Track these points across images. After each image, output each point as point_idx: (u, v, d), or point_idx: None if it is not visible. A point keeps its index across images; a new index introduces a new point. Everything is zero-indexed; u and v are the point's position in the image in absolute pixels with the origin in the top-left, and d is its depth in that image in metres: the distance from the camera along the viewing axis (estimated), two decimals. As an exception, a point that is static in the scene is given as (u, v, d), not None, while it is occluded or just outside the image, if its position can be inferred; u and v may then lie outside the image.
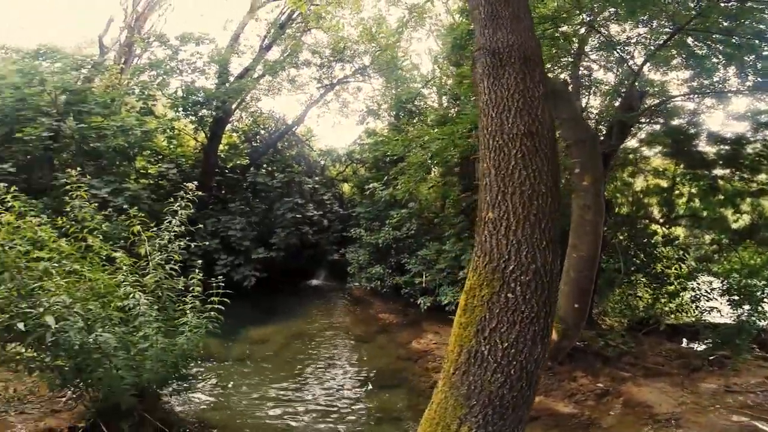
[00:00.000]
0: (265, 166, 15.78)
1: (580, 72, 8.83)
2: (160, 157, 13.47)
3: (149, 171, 12.75)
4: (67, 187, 5.32)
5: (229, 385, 6.85)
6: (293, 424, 5.84)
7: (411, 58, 16.46)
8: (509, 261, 3.06)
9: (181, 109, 13.86)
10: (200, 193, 5.98)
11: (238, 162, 15.57)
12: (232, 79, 14.11)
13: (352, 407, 6.41)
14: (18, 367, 4.40)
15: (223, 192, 14.63)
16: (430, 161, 9.09)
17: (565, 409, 5.98)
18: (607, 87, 9.58)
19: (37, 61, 11.14)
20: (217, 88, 13.60)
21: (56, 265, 4.46)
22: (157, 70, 13.60)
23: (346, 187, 17.95)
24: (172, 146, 14.14)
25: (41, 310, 4.07)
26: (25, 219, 4.66)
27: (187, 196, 5.70)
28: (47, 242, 4.71)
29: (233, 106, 14.75)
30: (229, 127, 15.79)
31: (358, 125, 17.48)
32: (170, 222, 5.62)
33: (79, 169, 5.77)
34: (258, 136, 16.76)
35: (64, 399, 5.06)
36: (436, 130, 9.85)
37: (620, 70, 8.88)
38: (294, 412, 6.14)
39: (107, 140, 9.73)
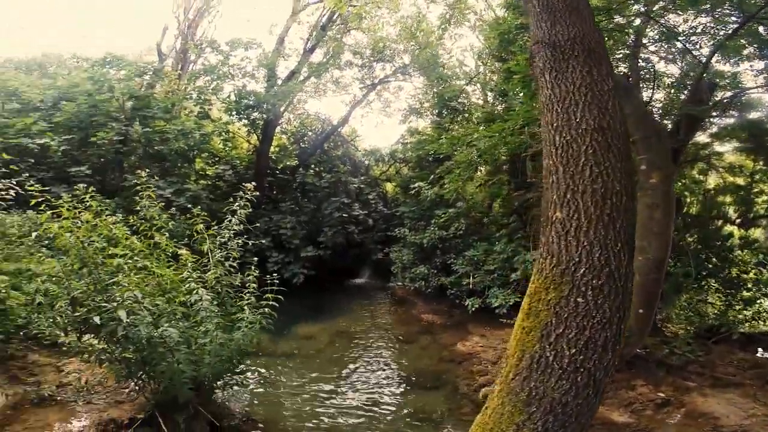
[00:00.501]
0: (312, 166, 16.15)
1: (639, 64, 8.29)
2: (217, 159, 14.16)
3: (207, 172, 13.43)
4: (138, 187, 5.65)
5: (276, 381, 6.99)
6: (333, 421, 5.90)
7: (455, 55, 16.22)
8: (580, 264, 2.91)
9: (234, 112, 14.52)
10: (256, 193, 6.18)
11: (288, 163, 16.04)
12: (279, 82, 14.55)
13: (392, 407, 6.37)
14: (90, 358, 4.66)
15: (274, 192, 15.14)
16: (478, 159, 8.85)
17: (620, 419, 5.65)
18: (670, 79, 8.94)
19: (105, 69, 12.00)
20: (267, 92, 14.08)
21: (129, 261, 4.70)
22: (211, 76, 14.30)
23: (389, 187, 18.03)
24: (227, 149, 14.81)
25: (114, 304, 4.28)
26: (101, 218, 4.96)
27: (246, 196, 5.90)
28: (121, 240, 5.00)
29: (282, 109, 15.20)
30: (278, 129, 16.30)
31: (400, 124, 17.50)
32: (230, 221, 5.82)
33: (147, 170, 6.10)
34: (305, 138, 17.17)
35: (127, 390, 5.26)
36: (482, 127, 9.63)
37: (684, 61, 8.26)
38: (335, 409, 6.19)
39: (169, 143, 10.32)
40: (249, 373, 7.01)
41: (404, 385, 7.15)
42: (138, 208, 5.64)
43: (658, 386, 6.23)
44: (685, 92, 8.24)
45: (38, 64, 13.25)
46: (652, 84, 8.79)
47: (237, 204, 5.89)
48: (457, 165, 9.42)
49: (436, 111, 15.42)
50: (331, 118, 17.55)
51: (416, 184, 11.68)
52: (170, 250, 5.45)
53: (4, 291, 5.37)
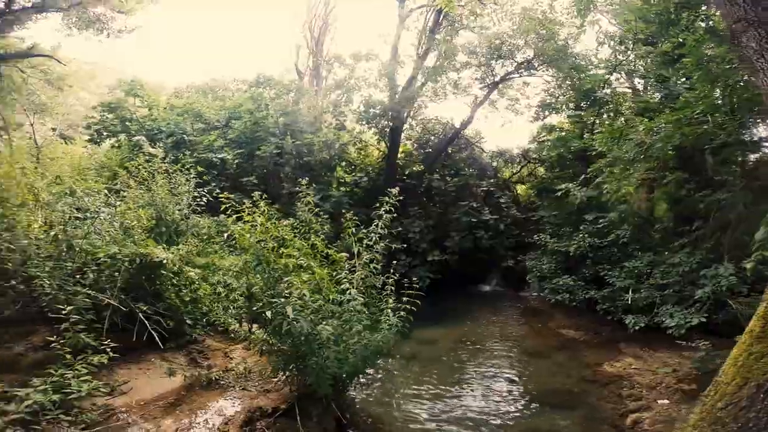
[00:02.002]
0: (437, 170, 16.17)
1: None
2: (353, 167, 15.18)
3: (346, 180, 14.44)
4: (300, 194, 6.23)
5: (395, 382, 6.97)
6: (446, 430, 5.67)
7: (595, 42, 14.61)
8: None
9: (364, 122, 15.37)
10: (400, 197, 6.32)
11: (414, 168, 16.37)
12: (400, 89, 14.93)
13: (513, 423, 5.91)
14: (254, 347, 5.15)
15: (402, 197, 15.52)
16: (641, 156, 7.68)
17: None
18: None
19: (260, 89, 13.76)
20: (390, 100, 14.57)
21: (300, 261, 5.11)
22: (342, 89, 15.36)
23: (521, 189, 17.15)
24: (361, 157, 15.77)
25: (283, 300, 4.67)
26: (271, 221, 5.45)
27: (391, 201, 6.07)
28: (288, 241, 5.50)
29: (405, 115, 15.58)
30: (403, 136, 16.73)
31: (532, 122, 16.47)
32: (376, 225, 6.03)
33: (307, 179, 6.70)
34: (429, 143, 17.31)
35: (275, 381, 5.49)
36: (645, 119, 8.44)
37: None
38: (449, 418, 5.95)
39: (314, 154, 11.35)
40: (371, 372, 7.07)
41: (530, 401, 6.59)
42: (299, 213, 6.24)
43: None
44: None
45: (210, 87, 15.85)
46: None
47: (383, 209, 6.07)
48: (619, 162, 8.32)
49: (573, 105, 14.14)
50: (453, 121, 17.40)
51: (562, 186, 10.69)
52: (323, 251, 5.83)
53: (197, 282, 6.33)
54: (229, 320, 6.29)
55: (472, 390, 6.95)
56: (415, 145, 17.47)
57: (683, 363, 6.91)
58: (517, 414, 6.24)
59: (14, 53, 11.90)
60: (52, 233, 5.05)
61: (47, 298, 4.58)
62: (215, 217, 7.51)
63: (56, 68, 12.90)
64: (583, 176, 10.16)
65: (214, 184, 7.96)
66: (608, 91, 13.09)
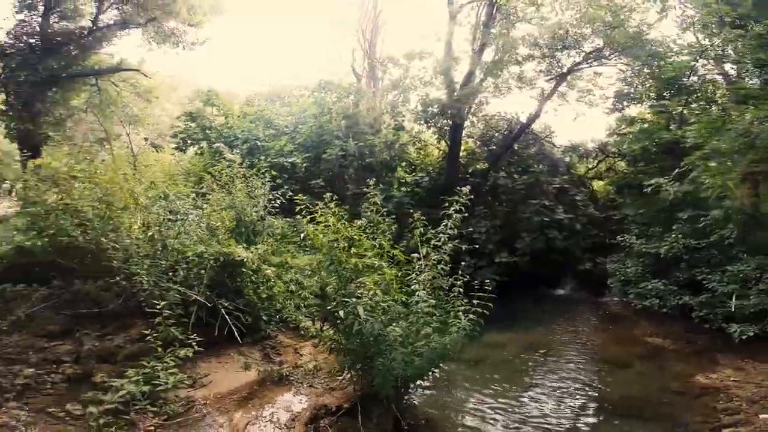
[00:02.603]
0: (503, 168, 15.57)
1: None
2: (413, 167, 15.12)
3: (407, 180, 14.44)
4: (366, 195, 6.27)
5: (458, 386, 6.77)
6: None
7: (685, 26, 13.26)
8: None
9: (423, 121, 15.23)
10: (471, 196, 6.11)
11: (478, 167, 15.87)
12: (457, 86, 14.53)
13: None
14: (324, 345, 5.23)
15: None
16: (748, 146, 6.81)
17: None
18: None
19: (322, 94, 14.16)
20: (448, 97, 14.26)
21: (372, 261, 5.12)
22: (398, 89, 15.35)
23: (598, 185, 16.07)
24: (421, 156, 15.66)
25: (354, 300, 4.69)
26: (342, 221, 5.48)
27: (461, 200, 5.89)
28: (357, 241, 5.52)
29: (465, 112, 15.15)
30: (464, 133, 16.28)
31: (608, 114, 15.32)
32: (445, 225, 5.88)
33: (374, 180, 6.73)
34: (493, 139, 16.70)
35: (340, 379, 5.57)
36: (741, 106, 7.53)
37: None
38: (513, 426, 5.68)
39: (376, 155, 11.47)
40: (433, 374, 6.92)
41: (605, 412, 6.18)
42: (366, 213, 6.26)
43: None
44: None
45: (277, 95, 16.64)
46: None
47: (452, 208, 5.91)
48: (709, 155, 7.48)
49: (654, 94, 12.92)
50: (518, 117, 16.63)
51: (651, 181, 9.76)
52: (390, 252, 5.78)
53: (273, 280, 6.62)
54: (300, 317, 6.50)
55: (539, 398, 6.64)
56: (478, 142, 16.93)
57: (795, 376, 6.19)
58: (589, 425, 5.89)
59: (106, 68, 13.36)
60: (149, 233, 5.53)
61: (145, 294, 4.97)
62: (287, 219, 7.84)
63: (143, 81, 14.30)
64: (676, 170, 9.20)
65: (286, 187, 8.35)
66: (695, 78, 11.86)
